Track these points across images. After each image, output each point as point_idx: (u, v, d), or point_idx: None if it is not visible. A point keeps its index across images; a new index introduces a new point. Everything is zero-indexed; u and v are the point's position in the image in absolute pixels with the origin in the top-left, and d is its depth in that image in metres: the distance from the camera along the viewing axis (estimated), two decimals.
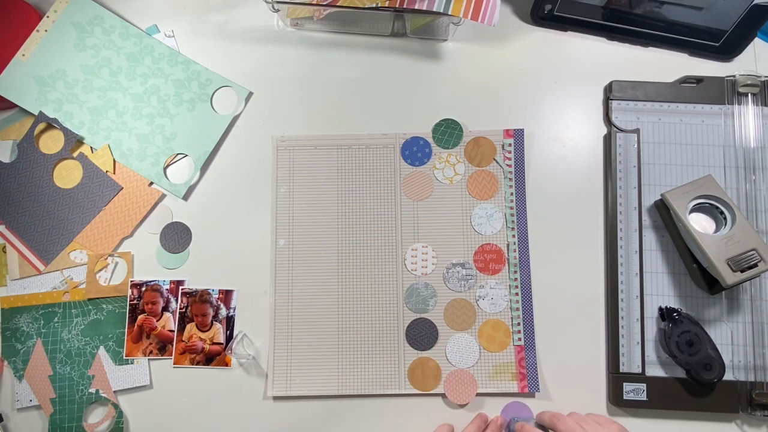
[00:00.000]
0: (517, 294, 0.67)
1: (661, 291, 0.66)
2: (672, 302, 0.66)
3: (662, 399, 0.64)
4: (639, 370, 0.64)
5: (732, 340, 0.65)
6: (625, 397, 0.64)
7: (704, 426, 0.65)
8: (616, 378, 0.64)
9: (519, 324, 0.67)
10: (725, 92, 0.70)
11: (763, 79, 0.70)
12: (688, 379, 0.63)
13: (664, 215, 0.67)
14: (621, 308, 0.65)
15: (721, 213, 0.64)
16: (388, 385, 0.66)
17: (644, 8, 0.69)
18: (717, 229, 0.65)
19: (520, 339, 0.67)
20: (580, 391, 0.66)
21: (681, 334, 0.63)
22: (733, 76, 0.70)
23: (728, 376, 0.63)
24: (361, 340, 0.67)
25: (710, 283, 0.64)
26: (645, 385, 0.64)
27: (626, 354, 0.65)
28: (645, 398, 0.64)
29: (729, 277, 0.60)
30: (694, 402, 0.64)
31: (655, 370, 0.64)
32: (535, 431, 0.60)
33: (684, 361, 0.62)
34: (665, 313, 0.64)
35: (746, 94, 0.70)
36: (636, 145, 0.69)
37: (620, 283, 0.66)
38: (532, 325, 0.67)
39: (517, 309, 0.67)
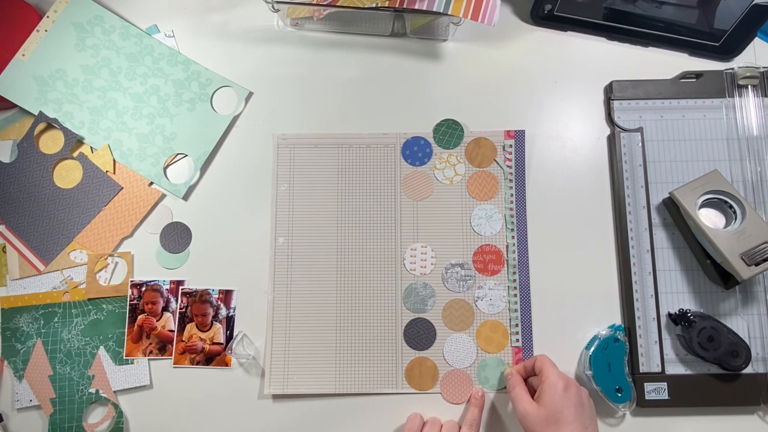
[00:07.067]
0: (515, 295, 0.67)
1: (675, 288, 0.66)
2: (687, 299, 0.66)
3: (684, 396, 0.63)
4: (659, 369, 0.64)
5: (749, 333, 0.65)
6: (647, 398, 0.63)
7: (726, 420, 0.64)
8: (636, 378, 0.64)
9: (517, 326, 0.67)
10: (725, 85, 0.70)
11: (762, 70, 0.70)
12: (708, 374, 0.63)
13: (673, 213, 0.67)
14: (637, 308, 0.65)
15: (731, 207, 0.64)
16: (386, 384, 0.66)
17: (644, 8, 0.69)
18: (727, 224, 0.65)
19: (518, 340, 0.66)
20: None
21: (699, 333, 0.62)
22: (732, 69, 0.70)
23: (747, 369, 0.63)
24: (359, 339, 0.67)
25: (725, 278, 0.64)
26: (666, 384, 0.64)
27: (645, 354, 0.64)
28: (667, 397, 0.63)
29: (744, 271, 0.60)
30: (716, 397, 0.64)
31: (675, 368, 0.64)
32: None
33: (711, 357, 0.62)
34: (677, 318, 0.64)
35: (746, 86, 0.70)
36: (640, 144, 0.69)
37: (634, 283, 0.66)
38: (531, 327, 0.67)
39: (516, 310, 0.67)
